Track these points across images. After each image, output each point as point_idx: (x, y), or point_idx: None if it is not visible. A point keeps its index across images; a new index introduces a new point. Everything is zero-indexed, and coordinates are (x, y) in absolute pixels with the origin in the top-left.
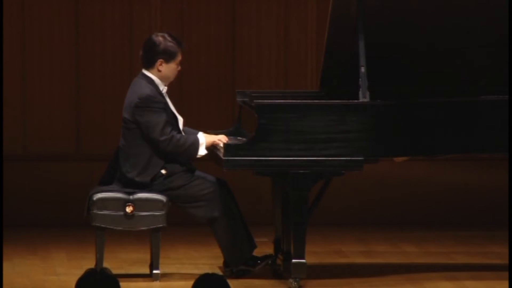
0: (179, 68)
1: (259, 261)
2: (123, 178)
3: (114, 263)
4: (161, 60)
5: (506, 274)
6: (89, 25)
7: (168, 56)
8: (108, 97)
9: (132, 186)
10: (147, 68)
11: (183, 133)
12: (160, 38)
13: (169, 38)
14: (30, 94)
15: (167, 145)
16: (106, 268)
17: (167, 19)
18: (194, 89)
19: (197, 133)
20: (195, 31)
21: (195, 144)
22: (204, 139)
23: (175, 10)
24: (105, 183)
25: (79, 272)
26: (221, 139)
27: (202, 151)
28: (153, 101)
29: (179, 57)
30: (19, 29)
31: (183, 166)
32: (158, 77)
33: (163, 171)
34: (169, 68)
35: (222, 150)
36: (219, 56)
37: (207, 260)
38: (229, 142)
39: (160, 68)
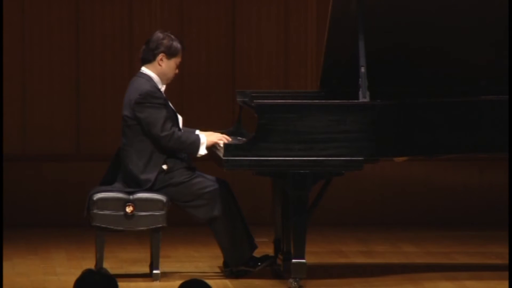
0: (177, 71)
1: (259, 263)
2: (127, 176)
3: (114, 263)
4: (163, 54)
5: (506, 274)
6: (89, 25)
7: (171, 53)
8: (108, 97)
9: (137, 183)
10: (147, 64)
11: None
12: (166, 35)
13: (173, 37)
14: (30, 94)
15: (168, 141)
16: (103, 268)
17: (167, 19)
18: (194, 89)
19: (194, 132)
20: (195, 31)
21: (196, 143)
22: (205, 138)
23: (175, 10)
24: (107, 183)
25: (79, 272)
26: (221, 139)
27: (202, 151)
28: (154, 96)
29: (179, 58)
30: (19, 29)
31: (184, 162)
32: (157, 73)
33: (164, 167)
34: (169, 65)
35: (222, 150)
36: (219, 56)
37: (207, 260)
38: (229, 142)
39: (160, 62)
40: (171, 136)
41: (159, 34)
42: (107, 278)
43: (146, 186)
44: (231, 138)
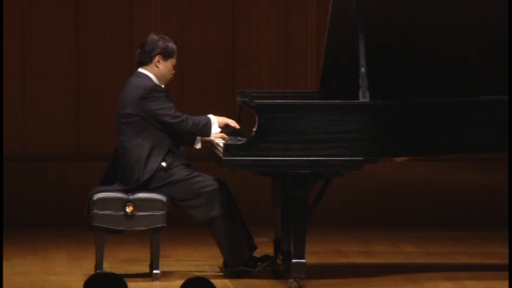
0: (174, 71)
1: (259, 263)
2: (126, 173)
3: (114, 263)
4: (159, 56)
5: (506, 274)
6: (89, 25)
7: (167, 54)
8: (108, 97)
9: (137, 178)
10: (144, 65)
11: None
12: (160, 37)
13: (168, 38)
14: (30, 94)
15: (185, 126)
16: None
17: (167, 19)
18: (194, 90)
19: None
20: (195, 31)
21: (208, 123)
22: (215, 118)
23: (175, 10)
24: (106, 183)
25: (79, 272)
26: (230, 123)
27: (215, 129)
28: (159, 90)
29: (175, 59)
30: (19, 29)
31: (182, 159)
32: (155, 74)
33: (163, 164)
34: (166, 67)
35: (222, 150)
36: (219, 56)
37: (207, 260)
38: (229, 142)
39: (157, 64)
40: (186, 120)
41: (153, 36)
42: (116, 280)
43: (148, 176)
44: (231, 138)
